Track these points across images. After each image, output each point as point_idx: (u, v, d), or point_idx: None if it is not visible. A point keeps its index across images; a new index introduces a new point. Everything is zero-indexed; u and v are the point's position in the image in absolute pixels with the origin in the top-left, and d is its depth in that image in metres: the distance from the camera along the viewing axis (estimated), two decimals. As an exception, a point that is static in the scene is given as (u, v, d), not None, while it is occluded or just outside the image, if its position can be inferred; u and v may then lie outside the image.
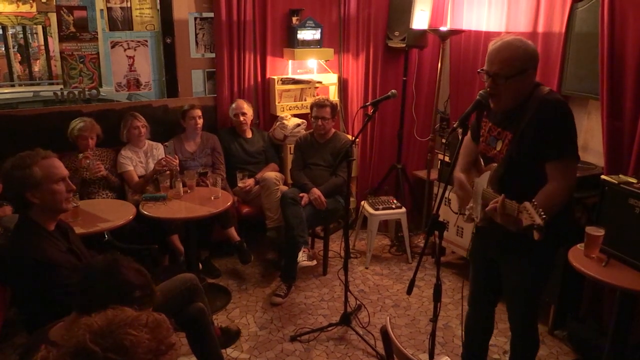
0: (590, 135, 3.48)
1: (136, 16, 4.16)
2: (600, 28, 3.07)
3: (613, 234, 2.52)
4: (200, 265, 3.93)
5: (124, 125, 3.94)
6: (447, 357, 2.19)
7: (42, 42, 6.94)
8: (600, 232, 2.54)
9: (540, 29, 3.62)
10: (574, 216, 2.99)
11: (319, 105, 3.98)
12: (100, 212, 3.25)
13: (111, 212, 3.26)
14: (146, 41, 4.26)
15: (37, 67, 7.20)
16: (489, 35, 3.93)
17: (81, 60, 4.07)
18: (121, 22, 4.13)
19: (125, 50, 4.19)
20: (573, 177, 2.13)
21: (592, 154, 3.45)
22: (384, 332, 1.81)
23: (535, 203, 1.85)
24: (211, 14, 4.28)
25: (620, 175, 2.74)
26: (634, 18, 2.91)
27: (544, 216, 1.81)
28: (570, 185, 2.11)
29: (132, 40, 4.21)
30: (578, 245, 2.63)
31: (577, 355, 3.13)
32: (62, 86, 4.10)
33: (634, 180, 2.60)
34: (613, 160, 3.09)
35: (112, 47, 4.15)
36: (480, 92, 2.22)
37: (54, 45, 5.35)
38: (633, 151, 2.95)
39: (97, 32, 4.11)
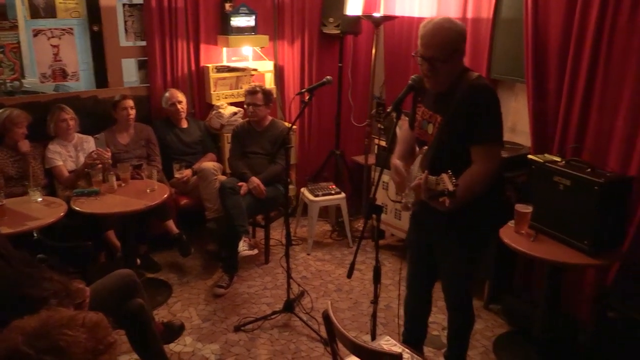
0: (518, 117, 3.63)
1: (59, 3, 3.97)
2: (525, 13, 3.19)
3: (540, 210, 2.65)
4: (138, 261, 3.83)
5: (51, 118, 3.76)
6: (388, 337, 2.24)
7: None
8: (528, 209, 2.67)
9: (470, 14, 3.73)
10: (506, 197, 3.13)
11: (250, 92, 3.96)
12: (28, 210, 3.12)
13: (40, 210, 3.13)
14: (71, 29, 4.08)
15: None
16: (421, 21, 4.00)
17: (1, 50, 3.84)
18: (43, 9, 3.94)
19: (49, 38, 4.00)
20: (496, 161, 2.20)
21: (520, 134, 3.61)
22: (326, 317, 1.83)
23: (450, 173, 1.93)
24: (141, 0, 4.14)
25: (545, 155, 2.88)
26: (555, 3, 3.05)
27: (455, 183, 1.89)
28: (492, 169, 2.17)
29: (57, 29, 4.03)
30: (509, 223, 2.75)
31: (511, 327, 3.29)
32: (-20, 78, 3.87)
33: (558, 159, 2.75)
34: (539, 140, 3.24)
35: (35, 35, 3.95)
36: (412, 76, 2.27)
37: (-30, 34, 5.03)
38: (557, 131, 3.11)
39: (17, 20, 3.89)
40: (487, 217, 2.37)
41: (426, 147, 2.33)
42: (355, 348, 1.73)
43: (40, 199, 3.26)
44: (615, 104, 2.81)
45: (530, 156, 2.94)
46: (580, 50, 2.94)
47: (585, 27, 2.90)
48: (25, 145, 3.61)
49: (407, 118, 2.56)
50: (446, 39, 2.13)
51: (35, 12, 3.91)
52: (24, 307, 1.47)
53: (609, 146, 2.86)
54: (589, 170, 2.51)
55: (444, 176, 1.93)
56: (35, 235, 3.28)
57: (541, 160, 2.73)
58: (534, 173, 2.75)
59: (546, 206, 2.63)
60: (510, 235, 2.68)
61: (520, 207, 2.68)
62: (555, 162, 2.70)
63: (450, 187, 1.88)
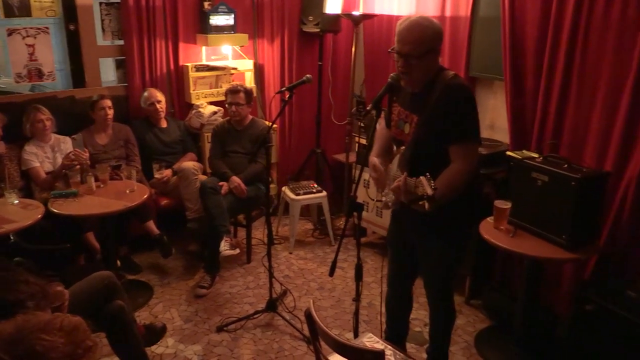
0: (497, 114, 3.67)
1: (34, 1, 3.90)
2: (502, 12, 3.22)
3: (519, 206, 2.68)
4: (119, 262, 3.79)
5: (27, 119, 3.69)
6: (371, 334, 2.25)
7: None
8: (507, 205, 2.70)
9: (448, 12, 3.75)
10: (483, 194, 3.16)
11: (232, 91, 3.94)
12: (4, 212, 3.07)
13: (17, 212, 3.08)
14: (47, 28, 4.01)
15: None
16: (399, 19, 4.03)
17: (-26, 49, 3.78)
18: (18, 7, 3.87)
19: (24, 38, 3.93)
20: (474, 160, 2.21)
21: (499, 131, 3.64)
22: (308, 315, 1.83)
23: (428, 176, 1.93)
24: (117, -1, 4.10)
25: (524, 151, 2.92)
26: (532, 2, 3.08)
27: (434, 187, 1.89)
28: (470, 168, 2.18)
29: (32, 28, 3.96)
30: (488, 219, 2.78)
31: (492, 322, 3.32)
32: (-47, 79, 3.79)
33: (536, 155, 2.78)
34: (517, 136, 3.28)
35: (9, 35, 3.87)
36: (392, 74, 2.28)
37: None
38: (534, 128, 3.15)
39: (-11, 19, 3.82)
40: (466, 216, 2.39)
41: (403, 147, 2.34)
42: (338, 346, 1.73)
43: (17, 202, 3.20)
44: (591, 100, 2.86)
45: (508, 153, 2.98)
46: (556, 48, 2.98)
47: (561, 24, 2.94)
48: (0, 147, 3.55)
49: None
50: (422, 36, 2.14)
51: (9, 11, 3.84)
52: (0, 311, 1.44)
53: (586, 142, 2.91)
54: (566, 166, 2.54)
55: (423, 180, 1.92)
56: (12, 238, 3.23)
57: (519, 157, 2.76)
58: (513, 169, 2.78)
59: (525, 202, 2.66)
60: (489, 231, 2.71)
61: (499, 203, 2.71)
62: (533, 158, 2.73)
63: (429, 192, 1.88)
